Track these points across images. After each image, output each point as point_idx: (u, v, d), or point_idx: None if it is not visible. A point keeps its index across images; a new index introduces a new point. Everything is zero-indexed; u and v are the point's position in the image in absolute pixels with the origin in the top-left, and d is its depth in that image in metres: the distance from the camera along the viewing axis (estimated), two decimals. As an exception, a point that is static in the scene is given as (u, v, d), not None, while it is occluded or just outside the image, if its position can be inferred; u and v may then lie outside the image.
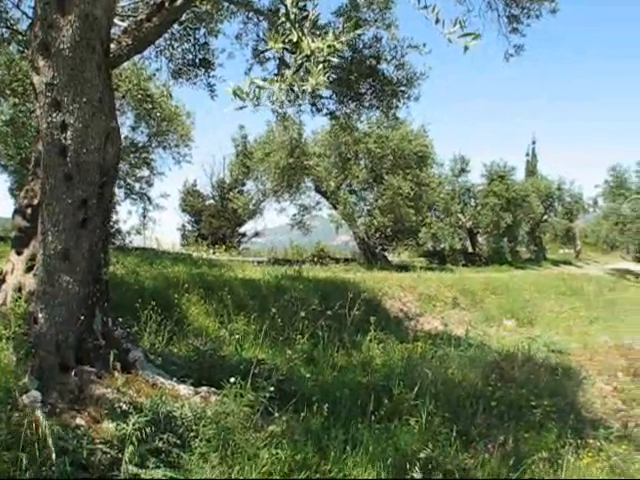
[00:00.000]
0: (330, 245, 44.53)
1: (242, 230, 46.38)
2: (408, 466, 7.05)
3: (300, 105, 15.51)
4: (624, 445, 10.36)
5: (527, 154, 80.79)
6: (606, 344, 20.68)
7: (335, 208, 37.42)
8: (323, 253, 38.41)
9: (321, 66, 4.36)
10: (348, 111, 15.77)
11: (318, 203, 39.39)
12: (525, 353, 16.30)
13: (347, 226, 38.75)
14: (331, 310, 14.71)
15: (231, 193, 42.66)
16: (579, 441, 9.93)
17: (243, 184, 44.66)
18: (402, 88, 15.04)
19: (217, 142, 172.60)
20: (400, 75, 14.84)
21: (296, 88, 4.47)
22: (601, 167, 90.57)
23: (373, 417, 8.74)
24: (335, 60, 4.48)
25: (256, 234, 47.22)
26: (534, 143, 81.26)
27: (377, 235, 38.65)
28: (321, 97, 15.18)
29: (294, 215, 39.53)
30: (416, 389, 9.69)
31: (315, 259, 34.29)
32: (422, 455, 7.59)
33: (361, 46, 14.40)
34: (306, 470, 6.69)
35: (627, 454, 10.08)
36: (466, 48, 4.62)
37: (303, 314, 14.15)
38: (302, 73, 4.47)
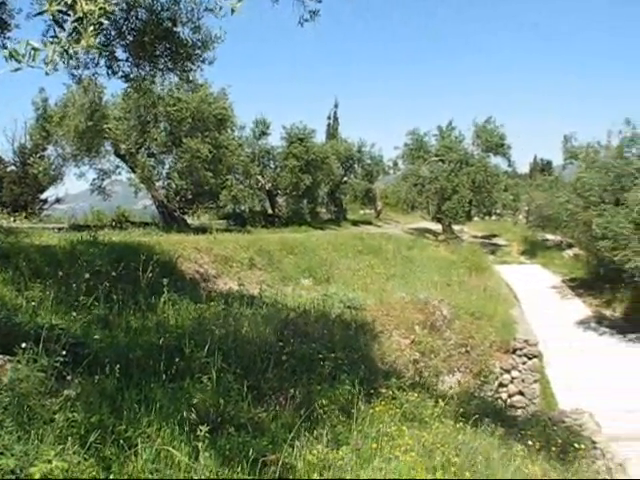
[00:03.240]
0: (132, 209, 43.98)
1: (43, 196, 45.25)
2: (200, 421, 7.19)
3: (97, 66, 15.23)
4: (416, 393, 10.88)
5: (329, 117, 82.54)
6: (402, 300, 21.33)
7: (134, 172, 36.93)
8: (123, 218, 38.07)
9: (92, 28, 4.39)
10: (143, 74, 15.60)
11: (118, 167, 38.66)
12: (320, 309, 16.69)
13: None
14: (125, 273, 14.69)
15: (32, 158, 41.51)
16: (372, 390, 10.37)
17: (44, 149, 42.87)
18: (197, 51, 15.00)
19: (20, 106, 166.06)
20: (196, 38, 14.79)
21: (71, 50, 4.49)
22: (402, 131, 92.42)
23: (166, 376, 8.85)
24: (106, 22, 4.51)
25: (57, 200, 46.15)
26: (336, 107, 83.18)
27: (177, 199, 38.55)
28: (117, 59, 14.97)
29: (94, 180, 38.63)
30: (207, 347, 9.83)
31: (115, 224, 33.87)
32: (195, 401, 7.81)
33: (159, 9, 14.27)
34: (102, 431, 6.73)
35: (419, 401, 10.61)
36: (232, 10, 4.75)
37: (98, 278, 14.03)
38: (76, 35, 4.48)
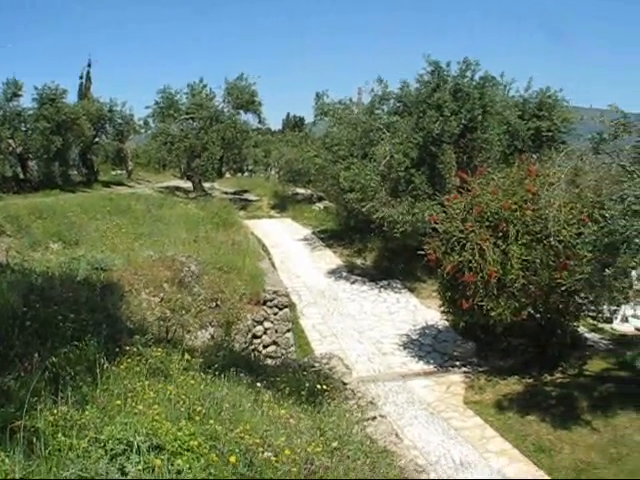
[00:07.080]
0: None
1: None
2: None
3: None
4: (161, 348, 11.13)
5: (81, 77, 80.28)
6: (150, 258, 21.32)
7: None
8: None
9: None
10: None
11: None
12: (66, 273, 16.54)
13: None
14: None
15: None
16: (117, 349, 10.52)
17: None
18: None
19: None
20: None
21: None
22: (153, 88, 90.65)
23: None
24: None
25: None
26: (89, 66, 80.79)
27: None
28: None
29: None
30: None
31: None
32: None
33: None
34: None
35: (166, 355, 10.88)
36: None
37: None
38: None
